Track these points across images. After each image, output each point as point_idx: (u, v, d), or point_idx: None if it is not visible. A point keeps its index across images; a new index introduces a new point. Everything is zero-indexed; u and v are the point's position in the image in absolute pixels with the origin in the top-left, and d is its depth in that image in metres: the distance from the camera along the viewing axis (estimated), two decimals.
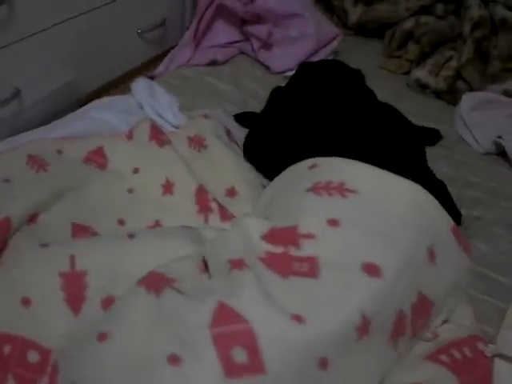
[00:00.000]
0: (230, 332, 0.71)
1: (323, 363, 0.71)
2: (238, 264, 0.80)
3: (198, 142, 1.23)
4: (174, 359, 0.69)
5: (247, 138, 1.28)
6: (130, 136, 1.20)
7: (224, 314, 0.72)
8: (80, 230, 1.01)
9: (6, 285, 0.88)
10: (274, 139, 1.23)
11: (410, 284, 0.81)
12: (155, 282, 0.80)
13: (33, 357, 0.81)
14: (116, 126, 1.28)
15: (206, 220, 1.07)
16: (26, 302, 0.86)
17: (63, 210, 1.03)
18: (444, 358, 0.84)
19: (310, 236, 0.82)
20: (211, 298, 0.75)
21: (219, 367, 0.68)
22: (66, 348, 0.80)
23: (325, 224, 0.83)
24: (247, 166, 1.23)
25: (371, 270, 0.77)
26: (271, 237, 0.85)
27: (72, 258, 0.89)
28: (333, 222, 0.83)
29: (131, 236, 0.93)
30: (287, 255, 0.81)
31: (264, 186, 1.16)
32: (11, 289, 0.87)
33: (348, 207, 0.86)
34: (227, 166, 1.20)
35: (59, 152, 1.16)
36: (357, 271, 0.77)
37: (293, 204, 0.92)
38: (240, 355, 0.69)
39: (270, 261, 0.81)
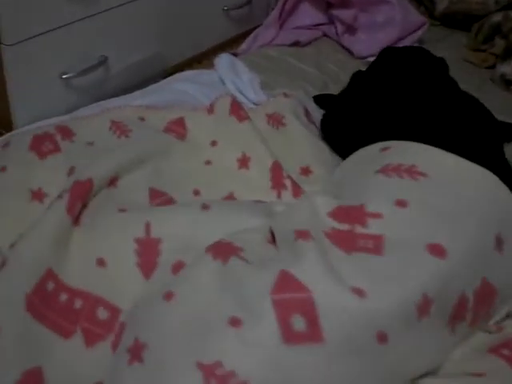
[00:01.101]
0: (291, 299, 0.72)
1: (382, 337, 0.71)
2: (303, 234, 0.81)
3: (276, 120, 1.24)
4: (234, 322, 0.71)
5: (324, 117, 1.28)
6: (210, 110, 1.22)
7: (286, 282, 0.73)
8: (157, 196, 1.04)
9: (83, 244, 0.92)
10: (351, 121, 1.22)
11: (475, 269, 0.80)
12: (223, 250, 0.82)
13: (102, 314, 0.85)
14: (198, 99, 1.30)
15: (279, 196, 1.08)
16: (100, 262, 0.90)
17: (142, 175, 1.06)
18: (506, 352, 0.82)
19: (377, 215, 0.83)
20: (274, 265, 0.76)
21: (278, 332, 0.69)
22: (134, 309, 0.83)
23: (393, 204, 0.84)
24: (324, 146, 1.23)
25: (436, 250, 0.77)
26: (338, 214, 0.86)
27: (148, 225, 0.92)
28: (401, 203, 0.84)
29: (205, 207, 0.95)
30: (353, 233, 0.81)
31: None
32: (88, 248, 0.92)
33: (417, 189, 0.87)
34: (304, 145, 1.20)
35: (141, 119, 1.19)
36: (421, 251, 0.77)
37: (361, 184, 0.92)
38: (299, 323, 0.70)
39: (334, 236, 0.81)
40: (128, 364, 0.72)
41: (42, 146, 1.08)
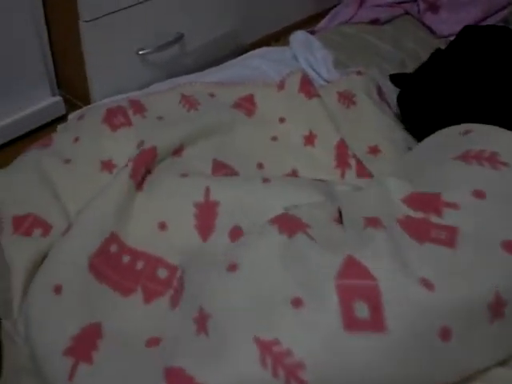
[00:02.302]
0: (356, 285, 0.70)
1: (446, 333, 0.68)
2: (373, 222, 0.80)
3: (347, 98, 1.22)
4: (296, 302, 0.71)
5: (400, 95, 1.24)
6: (281, 86, 1.22)
7: (352, 268, 0.72)
8: (220, 167, 1.05)
9: (145, 208, 0.95)
10: (427, 100, 1.17)
11: None
12: (289, 224, 0.81)
13: (162, 273, 0.88)
14: (269, 76, 1.30)
15: (343, 175, 1.06)
16: (162, 226, 0.93)
17: (207, 147, 1.08)
18: None
19: (453, 205, 0.79)
20: (341, 249, 0.75)
21: (339, 317, 0.68)
22: (192, 268, 0.84)
23: (470, 195, 0.80)
24: (395, 125, 1.19)
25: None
26: (412, 201, 0.83)
27: (207, 190, 0.93)
28: (479, 194, 0.80)
29: (266, 180, 0.95)
30: (427, 221, 0.79)
31: (410, 149, 1.12)
32: (150, 212, 0.94)
33: (497, 180, 0.82)
34: (373, 124, 1.17)
35: (211, 95, 1.21)
36: (497, 247, 0.73)
37: (439, 170, 0.89)
38: (362, 310, 0.68)
39: (407, 224, 0.79)
40: (196, 334, 0.73)
41: (115, 119, 1.12)
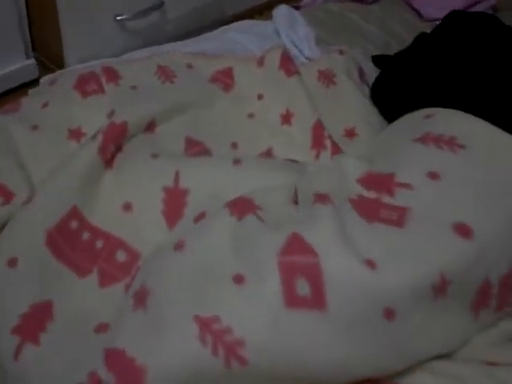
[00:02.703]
0: (298, 262, 0.69)
1: (389, 313, 0.67)
2: (322, 198, 0.78)
3: (327, 77, 1.19)
4: (238, 278, 0.69)
5: (377, 78, 1.22)
6: (260, 62, 1.19)
7: (295, 245, 0.70)
8: (193, 145, 1.02)
9: (112, 186, 0.92)
10: (403, 84, 1.15)
11: (504, 254, 0.74)
12: (241, 207, 0.79)
13: (121, 256, 0.85)
14: (249, 50, 1.27)
15: (318, 156, 1.04)
16: (127, 206, 0.90)
17: (181, 123, 1.05)
18: None
19: (406, 186, 0.78)
20: (287, 227, 0.73)
21: (280, 294, 0.67)
22: (149, 256, 0.82)
23: (424, 176, 0.79)
24: (373, 109, 1.17)
25: (462, 230, 0.71)
26: (367, 180, 0.82)
27: (177, 175, 0.91)
28: (433, 175, 0.78)
29: (237, 162, 0.93)
30: (378, 202, 0.77)
31: None
32: (116, 191, 0.92)
33: (453, 162, 0.81)
34: (352, 106, 1.15)
35: (189, 66, 1.17)
36: (446, 229, 0.72)
37: (397, 152, 0.87)
38: (303, 287, 0.67)
39: (358, 203, 0.77)
40: (132, 309, 0.71)
41: (87, 85, 1.08)
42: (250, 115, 1.12)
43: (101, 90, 1.08)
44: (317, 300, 0.67)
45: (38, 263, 0.79)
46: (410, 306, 0.68)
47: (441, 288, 0.69)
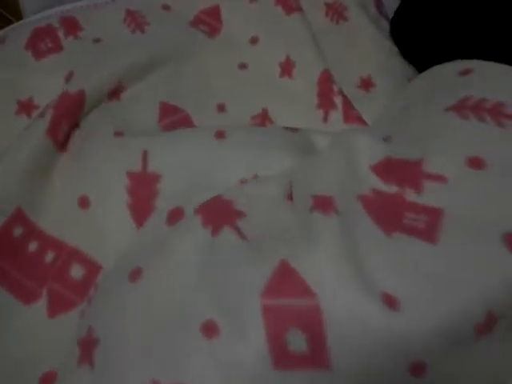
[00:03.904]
0: (288, 307, 0.50)
1: (418, 368, 0.48)
2: (322, 203, 0.58)
3: (336, 11, 0.97)
4: (209, 328, 0.51)
5: (397, 10, 0.98)
6: None
7: (284, 279, 0.51)
8: (169, 112, 0.82)
9: (66, 176, 0.73)
10: (431, 16, 0.90)
11: None
12: (217, 214, 0.60)
13: (77, 271, 0.67)
14: None
15: (326, 118, 0.83)
16: (83, 201, 0.71)
17: (154, 85, 0.84)
18: None
19: (438, 178, 0.57)
20: (275, 251, 0.54)
21: (266, 352, 0.48)
22: (107, 274, 0.64)
23: (463, 163, 0.57)
24: (395, 50, 0.94)
25: None
26: (385, 169, 0.60)
27: (145, 155, 0.71)
28: (475, 162, 0.56)
29: (220, 135, 0.73)
30: (401, 199, 0.57)
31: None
32: (71, 182, 0.73)
33: (502, 142, 0.58)
34: (367, 47, 0.92)
35: (165, 8, 0.95)
36: (496, 243, 0.50)
37: (425, 125, 0.65)
38: (297, 341, 0.49)
39: (374, 203, 0.57)
40: (77, 363, 0.54)
41: (41, 43, 0.88)
42: (242, 66, 0.91)
43: (58, 47, 0.88)
44: (317, 357, 0.48)
45: None
46: (444, 355, 0.49)
47: (486, 327, 0.49)
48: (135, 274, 0.57)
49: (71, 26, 0.91)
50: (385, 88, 0.87)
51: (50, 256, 0.68)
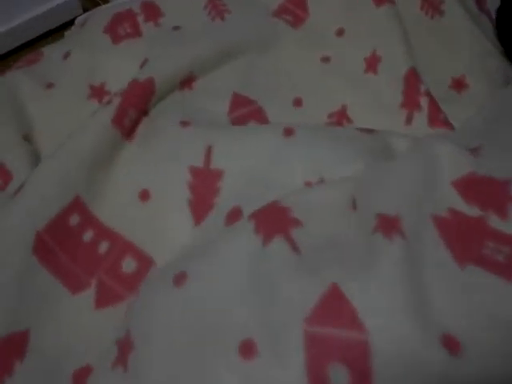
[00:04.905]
0: (334, 336, 0.45)
1: None
2: (386, 225, 0.51)
3: (432, 5, 0.89)
4: (248, 347, 0.46)
5: (502, 3, 0.89)
6: None
7: (333, 306, 0.46)
8: (240, 104, 0.78)
9: (130, 167, 0.71)
10: None
11: None
12: (271, 221, 0.55)
13: (128, 265, 0.64)
14: None
15: (409, 120, 0.76)
16: (144, 195, 0.68)
17: (229, 75, 0.81)
18: None
19: None
20: (327, 272, 0.48)
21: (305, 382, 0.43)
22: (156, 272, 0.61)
23: None
24: (492, 50, 0.84)
25: None
26: (468, 186, 0.53)
27: (209, 150, 0.68)
28: None
29: (289, 132, 0.68)
30: (483, 224, 0.49)
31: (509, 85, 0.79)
32: (133, 174, 0.70)
33: None
34: (463, 46, 0.84)
35: None
36: None
37: None
38: (339, 377, 0.43)
39: (450, 226, 0.50)
40: (112, 365, 0.52)
41: (120, 27, 0.87)
42: (325, 59, 0.85)
43: (137, 32, 0.87)
44: None
45: (18, 278, 0.60)
46: None
47: None
48: (180, 279, 0.53)
49: (152, 11, 0.89)
50: (479, 90, 0.79)
51: (103, 246, 0.65)
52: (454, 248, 0.48)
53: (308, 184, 0.62)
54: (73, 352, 0.58)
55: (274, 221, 0.55)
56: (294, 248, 0.52)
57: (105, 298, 0.62)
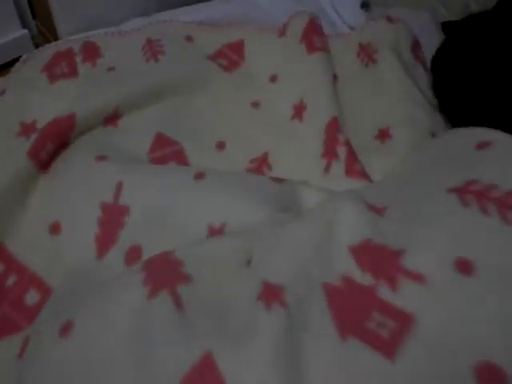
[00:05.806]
0: None
1: None
2: (269, 294, 0.51)
3: (368, 53, 0.90)
4: None
5: (438, 50, 0.89)
6: (282, 31, 0.91)
7: (203, 377, 0.45)
8: (162, 144, 0.78)
9: (42, 199, 0.72)
10: (470, 64, 0.81)
11: None
12: (161, 274, 0.54)
13: (32, 297, 0.65)
14: (274, 16, 0.98)
15: (328, 168, 0.76)
16: (55, 228, 0.69)
17: (152, 116, 0.82)
18: None
19: (416, 276, 0.48)
20: (204, 340, 0.48)
21: None
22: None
23: (451, 265, 0.48)
24: (422, 100, 0.84)
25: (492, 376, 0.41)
26: (363, 253, 0.52)
27: (119, 187, 0.68)
28: (465, 266, 0.47)
29: (199, 176, 0.68)
30: (373, 294, 0.49)
31: (434, 136, 0.79)
32: (46, 206, 0.71)
33: (503, 245, 0.49)
34: (393, 96, 0.84)
35: (189, 39, 0.92)
36: (467, 376, 0.42)
37: (423, 202, 0.56)
38: None
39: (340, 295, 0.50)
40: None
41: (57, 67, 0.88)
42: (255, 104, 0.86)
43: (73, 72, 0.88)
44: None
45: None
46: None
47: None
48: (66, 329, 0.52)
49: (91, 52, 0.90)
50: (402, 141, 0.78)
51: (11, 280, 0.66)
52: (338, 318, 0.48)
53: (211, 228, 0.62)
54: None
55: (164, 274, 0.54)
56: (178, 305, 0.51)
57: (3, 330, 0.62)
